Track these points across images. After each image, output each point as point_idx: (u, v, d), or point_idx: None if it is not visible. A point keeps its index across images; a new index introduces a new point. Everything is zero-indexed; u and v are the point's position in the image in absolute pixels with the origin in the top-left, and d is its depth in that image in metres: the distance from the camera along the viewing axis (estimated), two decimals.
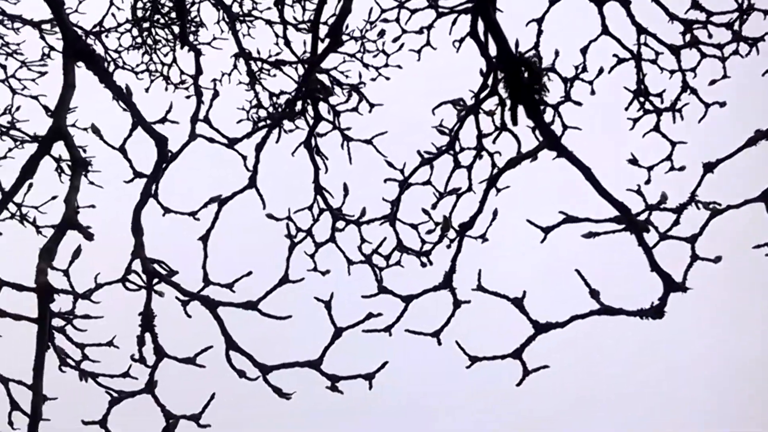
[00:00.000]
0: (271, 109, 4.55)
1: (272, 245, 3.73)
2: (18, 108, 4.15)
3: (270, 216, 3.40)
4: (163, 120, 3.01)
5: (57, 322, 3.18)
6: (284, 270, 2.75)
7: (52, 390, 3.38)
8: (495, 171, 2.44)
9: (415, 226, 3.43)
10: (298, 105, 3.08)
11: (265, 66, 4.53)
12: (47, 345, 1.93)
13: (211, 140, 2.90)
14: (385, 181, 3.12)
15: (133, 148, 3.12)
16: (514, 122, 2.36)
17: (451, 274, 2.48)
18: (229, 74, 4.50)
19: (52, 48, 4.05)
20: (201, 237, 2.83)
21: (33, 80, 4.56)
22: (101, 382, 3.15)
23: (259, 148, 2.91)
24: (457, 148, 3.48)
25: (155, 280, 2.38)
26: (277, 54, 4.51)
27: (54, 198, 4.43)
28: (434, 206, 3.54)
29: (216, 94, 2.84)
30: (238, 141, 2.89)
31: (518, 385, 2.39)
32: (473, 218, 2.48)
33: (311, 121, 3.23)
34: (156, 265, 2.42)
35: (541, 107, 2.27)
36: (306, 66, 2.81)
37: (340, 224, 3.50)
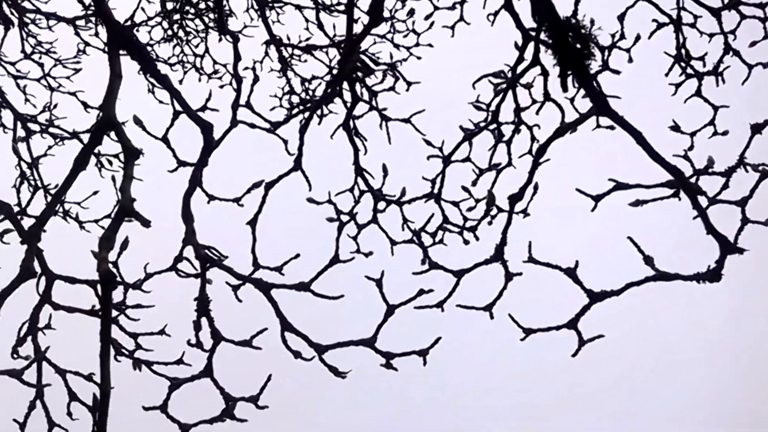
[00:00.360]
0: (303, 95, 4.56)
1: (313, 228, 3.76)
2: (55, 105, 4.22)
3: (311, 200, 3.42)
4: (203, 108, 3.04)
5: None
6: (334, 250, 2.76)
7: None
8: (542, 142, 2.41)
9: (456, 204, 3.42)
10: (335, 87, 3.07)
11: (296, 52, 4.54)
12: (110, 334, 1.97)
13: (252, 125, 2.92)
14: (429, 158, 3.12)
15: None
16: (564, 89, 2.34)
17: (502, 246, 2.47)
18: (261, 62, 4.52)
19: (87, 44, 4.10)
20: (249, 221, 2.86)
21: (68, 78, 4.64)
22: (156, 369, 3.22)
23: (302, 130, 2.92)
24: (495, 124, 3.47)
25: (208, 265, 2.41)
26: (307, 39, 4.51)
27: (95, 193, 4.50)
28: (474, 183, 3.53)
29: (256, 79, 2.85)
30: (281, 125, 2.90)
31: (574, 355, 2.38)
32: (522, 189, 2.46)
33: (349, 103, 3.23)
34: (207, 251, 2.45)
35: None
36: (344, 47, 2.80)
37: (381, 205, 3.50)
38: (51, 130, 4.20)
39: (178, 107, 3.03)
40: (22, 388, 3.11)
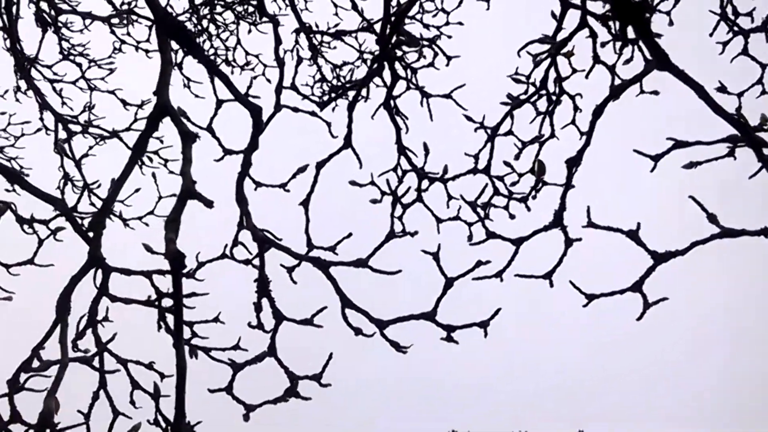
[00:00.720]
0: (335, 81, 4.56)
1: (355, 209, 3.76)
2: (93, 105, 4.27)
3: (353, 183, 3.42)
4: (245, 95, 3.05)
5: (165, 302, 3.29)
6: (390, 226, 2.76)
7: (163, 369, 3.51)
8: (600, 102, 2.37)
9: (501, 178, 3.40)
10: (381, 62, 3.05)
11: (326, 38, 4.54)
12: (182, 311, 1.99)
13: (296, 109, 2.93)
14: (476, 129, 3.09)
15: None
16: (625, 43, 2.29)
17: (561, 211, 2.45)
18: (292, 50, 4.52)
19: (123, 42, 4.14)
20: (302, 202, 2.87)
21: (102, 78, 4.70)
22: (214, 356, 3.25)
23: (351, 107, 2.92)
24: (538, 95, 3.44)
25: (267, 246, 2.42)
26: (336, 25, 4.51)
27: (137, 190, 4.56)
28: (517, 156, 3.50)
29: (300, 60, 2.85)
30: (326, 105, 2.90)
31: (638, 319, 2.35)
32: (581, 152, 2.43)
33: (389, 82, 3.22)
34: (264, 233, 2.47)
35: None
36: (390, 19, 2.77)
37: (424, 184, 3.49)
38: (91, 129, 4.26)
39: (220, 96, 3.05)
40: (82, 381, 3.18)
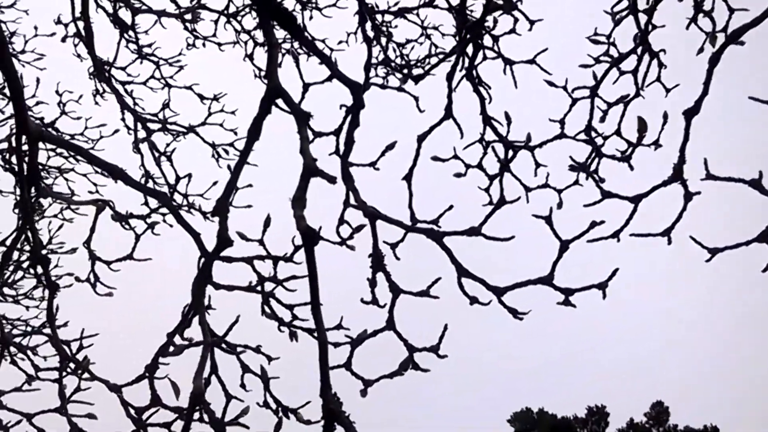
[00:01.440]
0: (399, 60, 4.54)
1: (437, 183, 3.75)
2: (168, 103, 4.36)
3: (436, 158, 3.41)
4: (330, 78, 3.06)
5: (268, 286, 3.35)
6: (499, 193, 2.75)
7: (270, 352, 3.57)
8: (716, 49, 2.31)
9: (590, 141, 3.35)
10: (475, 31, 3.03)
11: (387, 18, 4.52)
12: (317, 283, 2.02)
13: (383, 86, 2.93)
14: (574, 89, 3.06)
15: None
16: None
17: (681, 165, 2.39)
18: (355, 33, 4.52)
19: (196, 37, 4.20)
20: (405, 176, 2.88)
21: (171, 77, 4.78)
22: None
23: (449, 76, 2.91)
24: (616, 54, 3.37)
25: (376, 220, 2.43)
26: (396, 3, 4.49)
27: (215, 183, 4.64)
28: (603, 119, 3.45)
29: (390, 36, 2.85)
30: (420, 78, 2.90)
31: (764, 270, 2.29)
32: (699, 102, 2.37)
33: (470, 52, 3.19)
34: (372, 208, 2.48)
35: None
36: None
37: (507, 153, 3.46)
38: (168, 127, 4.34)
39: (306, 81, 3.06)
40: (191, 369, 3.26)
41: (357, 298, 3.15)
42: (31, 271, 3.06)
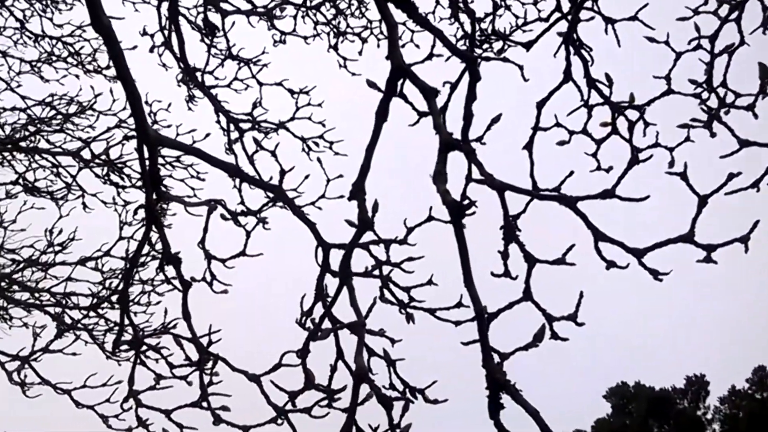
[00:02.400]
0: (479, 35, 4.49)
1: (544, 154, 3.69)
2: (259, 102, 4.43)
3: (537, 128, 3.35)
4: (429, 57, 3.05)
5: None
6: (630, 152, 2.68)
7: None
8: None
9: (698, 95, 3.24)
10: None
11: None
12: (468, 256, 2.01)
13: (487, 59, 2.89)
14: (691, 41, 2.96)
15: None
16: None
17: None
18: (433, 12, 4.50)
19: (284, 33, 4.25)
20: (525, 146, 2.85)
21: (253, 76, 4.87)
22: (440, 315, 3.30)
23: (566, 39, 2.86)
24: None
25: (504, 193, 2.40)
26: None
27: (307, 177, 4.70)
28: (708, 72, 3.32)
29: (472, 13, 2.81)
30: (531, 45, 2.85)
31: None
32: None
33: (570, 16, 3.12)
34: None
35: None
36: None
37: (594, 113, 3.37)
38: (260, 124, 4.42)
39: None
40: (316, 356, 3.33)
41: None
42: (160, 272, 3.16)
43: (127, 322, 3.38)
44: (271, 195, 3.41)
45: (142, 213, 4.63)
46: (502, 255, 2.52)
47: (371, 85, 2.93)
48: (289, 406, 2.96)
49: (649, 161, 3.36)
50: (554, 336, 2.52)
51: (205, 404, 2.99)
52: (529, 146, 2.80)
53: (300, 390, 2.42)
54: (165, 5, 4.23)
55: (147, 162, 3.03)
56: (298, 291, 3.49)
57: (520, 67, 3.02)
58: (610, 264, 2.44)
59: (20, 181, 4.67)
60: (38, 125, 4.61)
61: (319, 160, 4.33)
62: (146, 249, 3.26)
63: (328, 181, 4.15)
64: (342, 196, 4.50)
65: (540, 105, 2.83)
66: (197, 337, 3.02)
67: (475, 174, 2.58)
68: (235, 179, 3.30)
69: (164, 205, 3.19)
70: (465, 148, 2.05)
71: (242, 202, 4.60)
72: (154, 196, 3.22)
